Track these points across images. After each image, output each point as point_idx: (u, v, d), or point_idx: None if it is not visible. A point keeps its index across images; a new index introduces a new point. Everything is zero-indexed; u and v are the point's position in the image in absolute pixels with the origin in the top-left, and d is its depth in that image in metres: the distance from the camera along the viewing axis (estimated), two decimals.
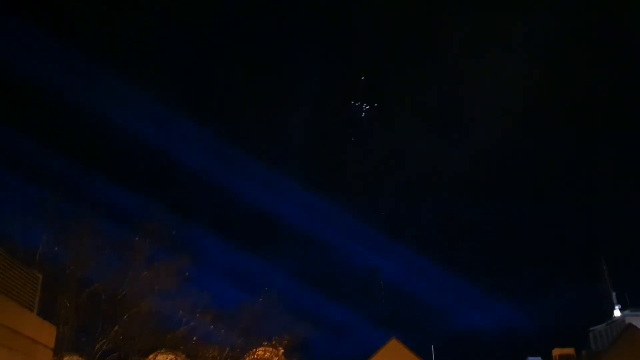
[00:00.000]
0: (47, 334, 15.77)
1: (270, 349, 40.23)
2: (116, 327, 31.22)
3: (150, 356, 35.11)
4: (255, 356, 40.11)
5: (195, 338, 36.26)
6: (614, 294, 69.37)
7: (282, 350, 40.44)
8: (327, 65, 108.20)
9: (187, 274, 34.96)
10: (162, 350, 35.96)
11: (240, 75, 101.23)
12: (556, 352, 56.49)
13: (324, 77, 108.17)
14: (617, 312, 67.39)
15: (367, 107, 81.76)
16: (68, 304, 29.42)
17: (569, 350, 56.77)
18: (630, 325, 52.97)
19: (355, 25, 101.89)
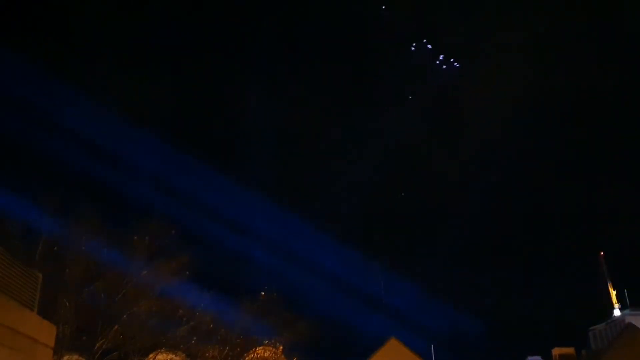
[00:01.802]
0: (47, 333, 15.78)
1: (270, 347, 40.27)
2: (116, 327, 31.25)
3: (150, 355, 35.11)
4: (255, 355, 40.15)
5: (195, 338, 36.30)
6: (613, 294, 69.54)
7: (282, 348, 40.50)
8: (324, 64, 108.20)
9: (187, 273, 35.00)
10: (162, 350, 35.98)
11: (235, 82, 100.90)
12: (556, 351, 56.61)
13: (320, 76, 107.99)
14: (616, 312, 67.54)
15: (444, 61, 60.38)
16: (68, 304, 29.45)
17: (569, 350, 56.88)
18: (630, 325, 53.06)
19: (353, 26, 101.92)
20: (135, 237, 33.20)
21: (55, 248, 30.37)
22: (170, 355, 36.52)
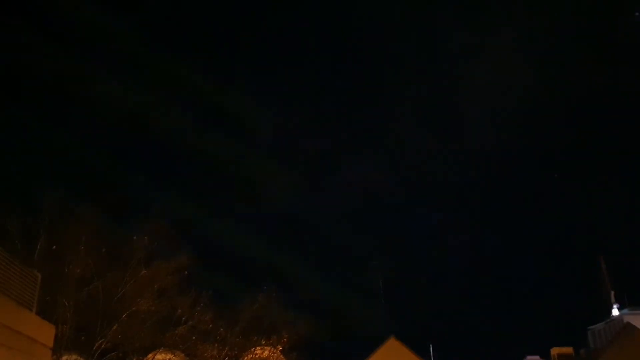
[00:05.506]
0: (45, 333, 15.81)
1: (269, 347, 40.25)
2: (115, 326, 31.23)
3: (150, 355, 35.12)
4: (254, 355, 40.14)
5: (194, 337, 36.29)
6: (612, 293, 69.49)
7: (280, 348, 40.48)
8: (323, 64, 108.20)
9: (186, 272, 35.01)
10: (161, 350, 35.97)
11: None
12: (554, 351, 56.64)
13: (320, 76, 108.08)
14: (615, 311, 67.51)
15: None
16: (67, 303, 29.41)
17: (568, 349, 56.92)
18: (629, 324, 53.13)
19: (354, 27, 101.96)
20: (135, 237, 33.20)
21: (55, 247, 30.31)
22: (169, 355, 36.48)
